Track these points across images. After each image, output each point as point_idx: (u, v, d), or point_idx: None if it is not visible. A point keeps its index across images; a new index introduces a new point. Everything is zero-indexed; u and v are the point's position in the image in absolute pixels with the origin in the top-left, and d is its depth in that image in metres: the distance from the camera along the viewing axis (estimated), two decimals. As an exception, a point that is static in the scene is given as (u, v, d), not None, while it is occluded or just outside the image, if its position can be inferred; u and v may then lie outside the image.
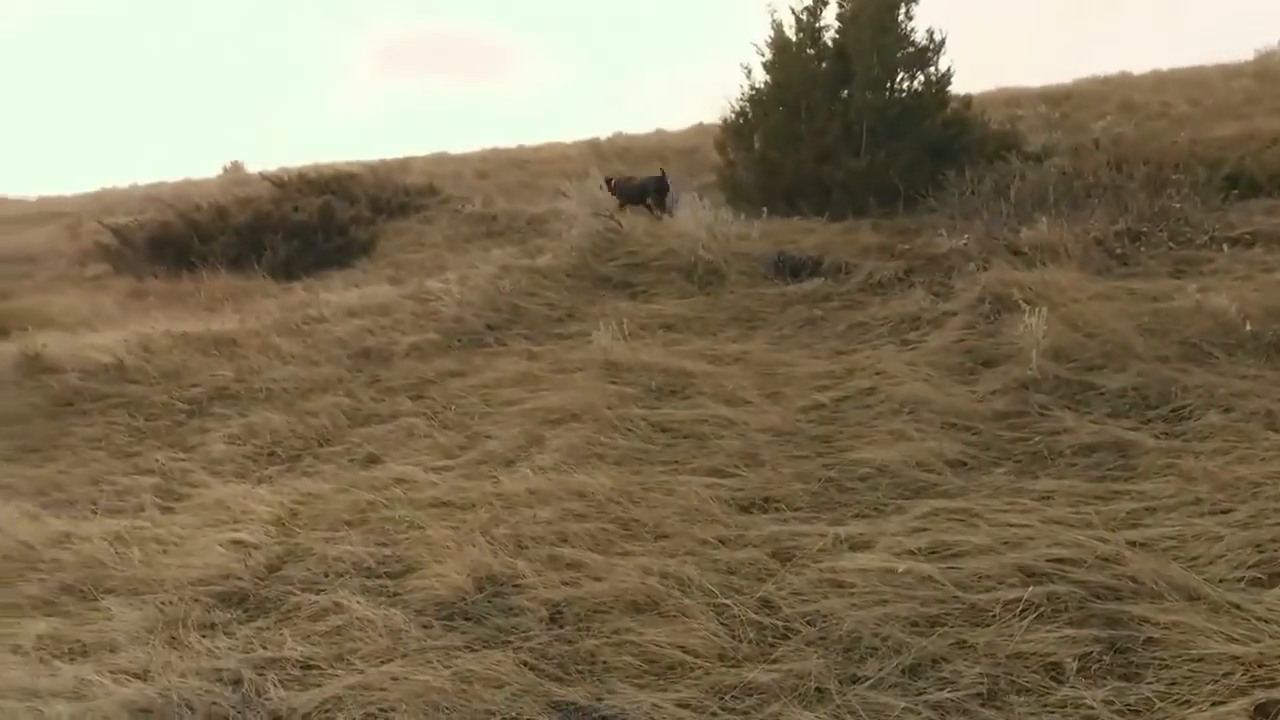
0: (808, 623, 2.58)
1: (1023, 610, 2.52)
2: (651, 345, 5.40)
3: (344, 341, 5.78)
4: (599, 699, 2.30)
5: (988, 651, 2.39)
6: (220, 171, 16.19)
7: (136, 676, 2.50)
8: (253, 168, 15.85)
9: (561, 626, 2.63)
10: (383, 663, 2.46)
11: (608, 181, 9.57)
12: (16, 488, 4.06)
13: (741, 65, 8.67)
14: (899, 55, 8.17)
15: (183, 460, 4.28)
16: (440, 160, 16.40)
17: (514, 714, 2.25)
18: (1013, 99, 14.41)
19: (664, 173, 9.45)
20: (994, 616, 2.52)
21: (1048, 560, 2.77)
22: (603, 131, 17.74)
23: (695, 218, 7.25)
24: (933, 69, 8.37)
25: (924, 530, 3.00)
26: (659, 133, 17.12)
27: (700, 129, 16.75)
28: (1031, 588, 2.59)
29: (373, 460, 4.10)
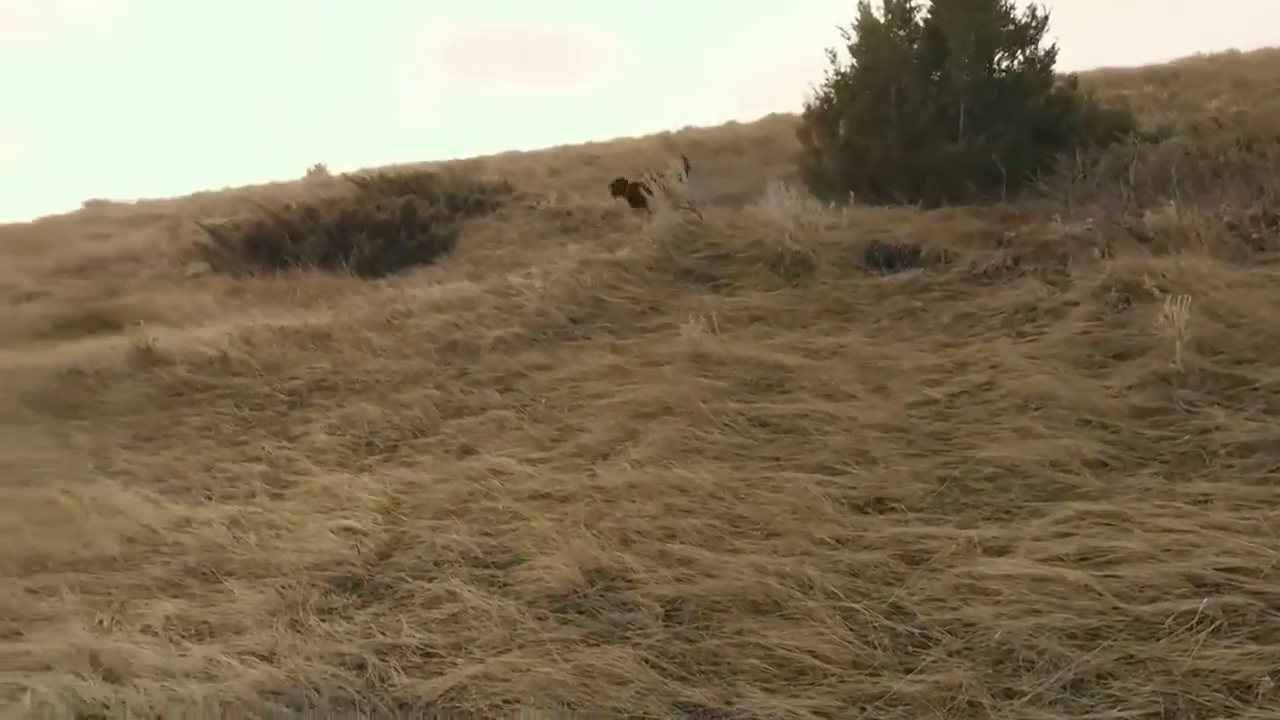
0: (948, 631, 2.42)
1: (1197, 623, 2.31)
2: (742, 338, 5.28)
3: (431, 335, 5.87)
4: (728, 702, 2.19)
5: (1160, 668, 2.20)
6: (304, 174, 16.75)
7: (263, 658, 2.53)
8: (334, 170, 16.35)
9: (679, 624, 2.53)
10: (501, 653, 2.43)
11: (621, 185, 9.51)
12: (136, 474, 4.25)
13: (826, 50, 8.47)
14: (998, 33, 7.85)
15: (287, 449, 4.42)
16: (512, 159, 16.59)
17: (640, 713, 2.17)
18: (1114, 79, 13.80)
19: (687, 164, 9.35)
20: (1163, 629, 2.32)
21: (1217, 569, 2.55)
22: (672, 125, 17.65)
23: (781, 207, 7.08)
24: (1034, 47, 8.03)
25: (1070, 535, 2.80)
26: (731, 125, 16.97)
27: (774, 119, 16.54)
28: (1205, 599, 2.38)
29: (467, 451, 4.12)
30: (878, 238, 6.53)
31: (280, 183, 16.69)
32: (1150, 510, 2.89)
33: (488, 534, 3.21)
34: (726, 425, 4.06)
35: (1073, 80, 8.16)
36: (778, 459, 3.71)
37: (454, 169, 14.18)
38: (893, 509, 3.19)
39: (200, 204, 14.97)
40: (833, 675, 2.29)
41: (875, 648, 2.38)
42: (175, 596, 3.01)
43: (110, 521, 3.62)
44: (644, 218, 8.60)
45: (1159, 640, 2.28)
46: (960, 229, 6.44)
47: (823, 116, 8.58)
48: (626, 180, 9.47)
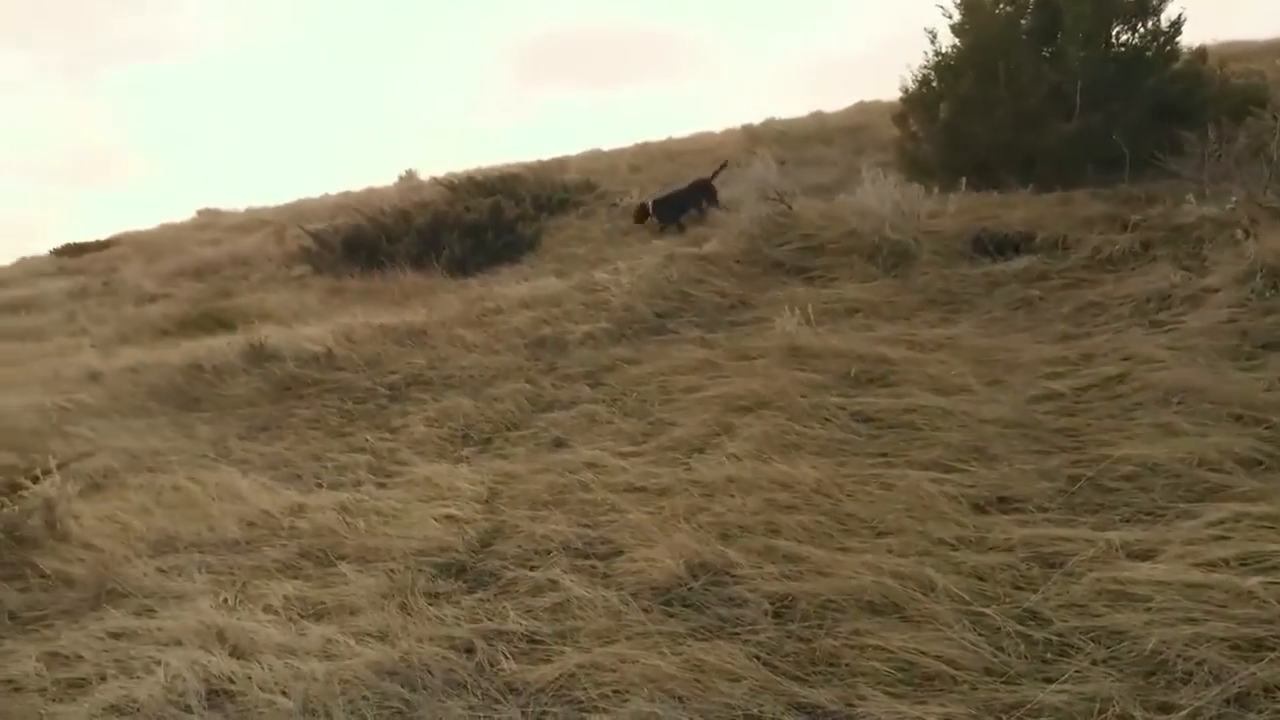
0: (1091, 639, 2.27)
1: (1383, 638, 2.11)
2: (839, 331, 5.14)
3: (520, 331, 6.00)
4: (850, 705, 2.10)
5: (1340, 684, 2.01)
6: (396, 179, 17.42)
7: (377, 639, 2.61)
8: (424, 174, 16.95)
9: (790, 622, 2.46)
10: (608, 643, 2.42)
11: (644, 209, 9.48)
12: (253, 462, 4.51)
13: (926, 30, 8.21)
14: (1117, 5, 7.46)
15: (389, 440, 4.59)
16: (594, 157, 16.76)
17: (755, 711, 2.11)
18: (1238, 52, 12.97)
19: (718, 169, 9.33)
20: (1342, 643, 2.12)
21: (1402, 579, 2.33)
22: (754, 118, 17.45)
23: (878, 195, 6.89)
24: (1156, 20, 7.59)
25: (1225, 538, 2.60)
26: (817, 114, 16.67)
27: (862, 107, 16.18)
28: (1393, 611, 2.17)
29: (559, 444, 4.15)
30: (986, 224, 6.28)
31: (375, 188, 17.39)
32: (1318, 513, 2.66)
33: (586, 525, 3.21)
34: (827, 420, 3.95)
35: (1201, 53, 7.68)
36: (885, 455, 3.59)
37: (537, 169, 14.42)
38: (1018, 509, 3.03)
39: (302, 210, 15.73)
40: (964, 682, 2.17)
41: (1009, 655, 2.25)
42: (293, 578, 3.15)
43: (231, 506, 3.84)
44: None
45: (1340, 654, 2.08)
46: (1079, 213, 6.13)
47: (922, 100, 8.32)
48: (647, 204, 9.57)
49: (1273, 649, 2.14)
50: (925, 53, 8.26)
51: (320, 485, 4.07)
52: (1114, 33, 7.56)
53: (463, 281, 8.64)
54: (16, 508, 3.62)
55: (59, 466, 3.90)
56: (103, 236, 15.97)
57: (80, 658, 2.73)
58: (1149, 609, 2.32)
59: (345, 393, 5.49)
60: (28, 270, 14.60)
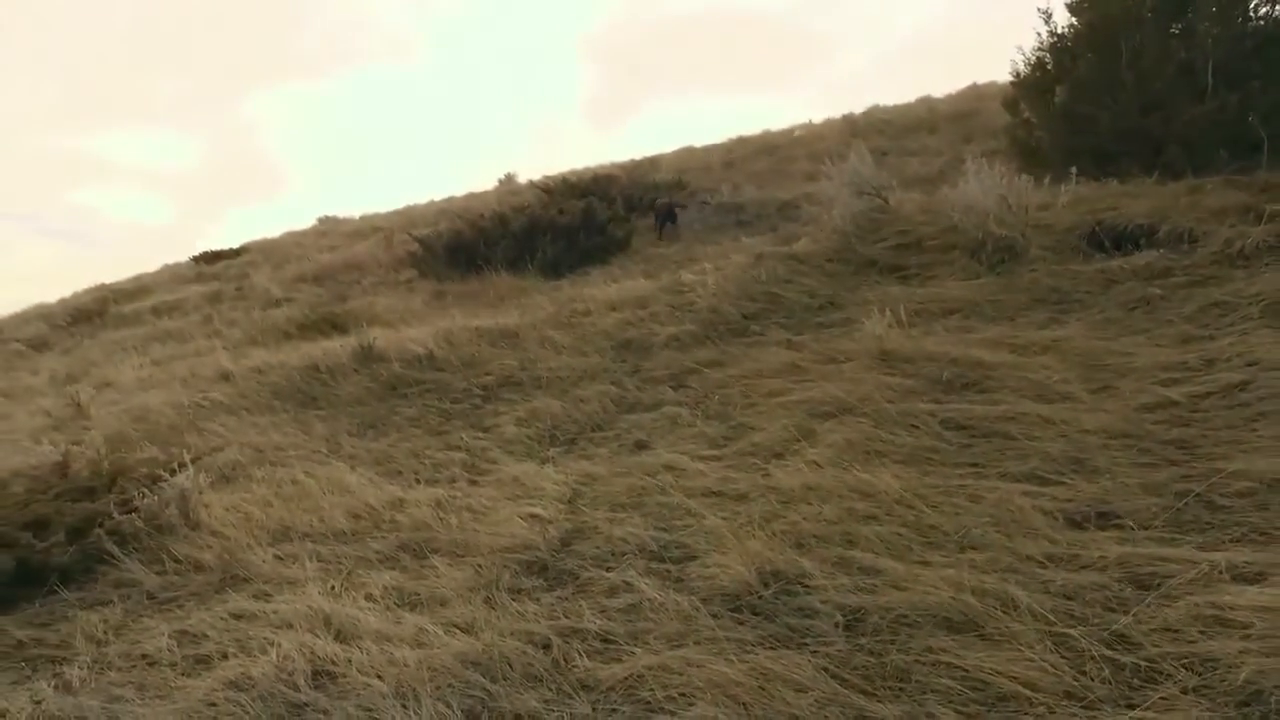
0: (1183, 666, 2.22)
1: None
2: (933, 333, 5.08)
3: (608, 333, 6.22)
4: (917, 723, 2.13)
5: None
6: (496, 184, 18.13)
7: (464, 630, 2.84)
8: (523, 178, 17.58)
9: (861, 635, 2.49)
10: (677, 646, 2.54)
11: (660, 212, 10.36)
12: (360, 458, 4.89)
13: (1039, 11, 7.96)
14: (1259, -29, 7.04)
15: (482, 439, 4.91)
16: (687, 154, 16.91)
17: (819, 724, 2.16)
18: None
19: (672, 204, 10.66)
20: None
21: None
22: (856, 106, 17.15)
23: (982, 187, 6.73)
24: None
25: (1347, 562, 2.48)
26: (924, 100, 16.28)
27: (974, 91, 15.72)
28: None
29: (641, 446, 4.31)
30: (1103, 217, 6.05)
31: (476, 193, 18.15)
32: None
33: (662, 529, 3.34)
34: (915, 427, 3.93)
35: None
36: (977, 465, 3.55)
37: (630, 169, 14.68)
38: (1118, 526, 2.96)
39: (410, 216, 16.64)
40: (1040, 704, 2.17)
41: (1093, 679, 2.23)
42: (391, 568, 3.43)
43: (340, 499, 4.19)
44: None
45: None
46: (1209, 204, 5.84)
47: (1036, 84, 8.06)
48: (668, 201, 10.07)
49: (1389, 685, 2.05)
50: (1039, 33, 8.01)
51: (419, 481, 4.38)
52: (1251, 5, 7.15)
53: (555, 283, 8.97)
54: (156, 498, 4.07)
55: (193, 460, 4.41)
56: (236, 245, 17.32)
57: (206, 636, 3.06)
58: (1248, 636, 2.25)
59: (443, 393, 5.87)
60: (172, 276, 15.97)
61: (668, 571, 3.00)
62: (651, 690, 2.35)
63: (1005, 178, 6.72)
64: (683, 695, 2.30)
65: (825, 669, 2.32)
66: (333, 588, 3.28)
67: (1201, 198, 5.92)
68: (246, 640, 2.97)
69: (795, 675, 2.29)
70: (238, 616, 3.17)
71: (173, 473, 4.28)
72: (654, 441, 4.32)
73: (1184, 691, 2.14)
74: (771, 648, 2.45)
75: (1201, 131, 6.75)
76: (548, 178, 15.12)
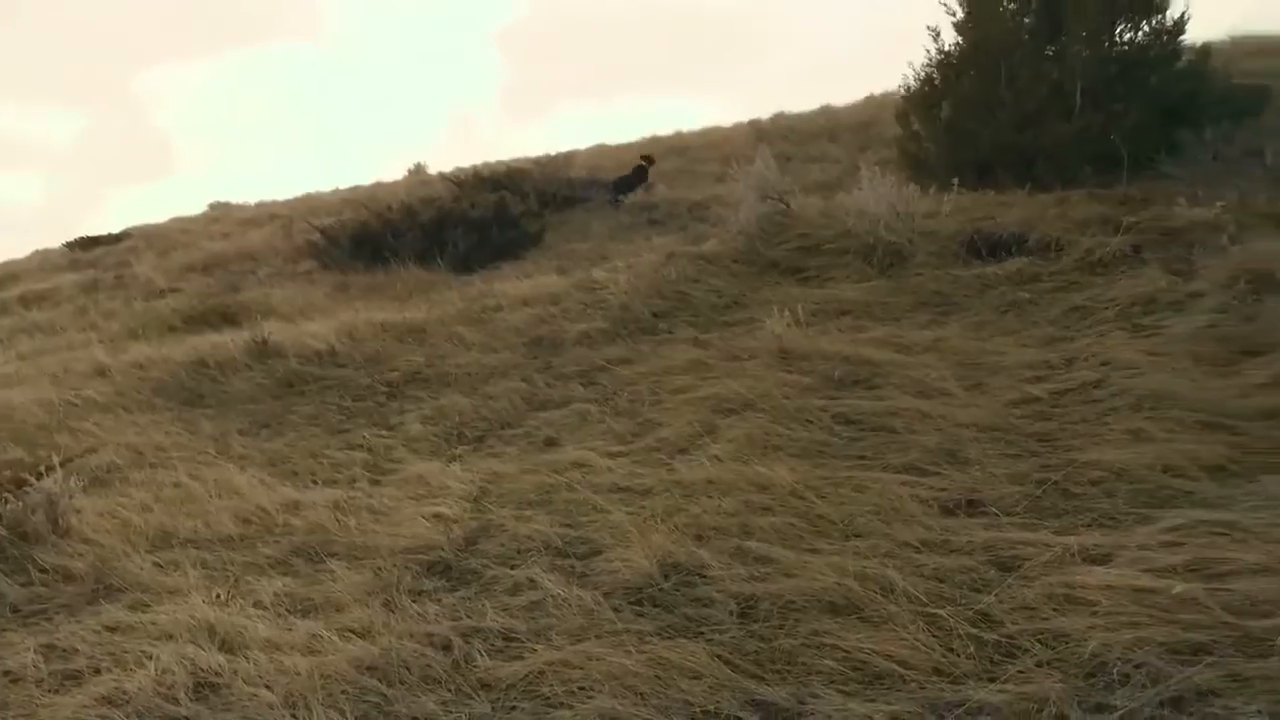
0: (1039, 641, 2.38)
1: (1317, 643, 2.20)
2: (828, 332, 5.25)
3: (519, 329, 6.13)
4: (801, 702, 2.23)
5: (1269, 687, 2.11)
6: (405, 174, 17.54)
7: (360, 635, 2.75)
8: (433, 169, 17.08)
9: (754, 622, 2.58)
10: (578, 641, 2.55)
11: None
12: (252, 459, 4.63)
13: (929, 28, 8.26)
14: (1121, 2, 7.48)
15: (385, 438, 4.73)
16: (601, 153, 16.83)
17: (712, 707, 2.23)
18: (1256, 49, 12.87)
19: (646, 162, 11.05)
20: (1276, 647, 2.22)
21: (1344, 587, 2.42)
22: (767, 111, 17.45)
23: (875, 195, 6.96)
24: (1161, 16, 7.60)
25: (1179, 544, 2.70)
26: (825, 109, 16.67)
27: (872, 101, 16.19)
28: (1328, 617, 2.27)
29: (550, 443, 4.29)
30: (981, 225, 6.35)
31: (383, 182, 17.51)
32: (1270, 520, 2.75)
33: (568, 525, 3.35)
34: (809, 422, 4.06)
35: (1205, 51, 7.69)
36: (863, 458, 3.70)
37: (544, 164, 14.51)
38: (985, 513, 3.14)
39: (311, 204, 15.88)
40: (912, 681, 2.29)
41: (959, 655, 2.36)
42: (284, 574, 3.29)
43: (229, 503, 3.97)
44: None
45: (1269, 659, 2.18)
46: (1075, 215, 6.19)
47: (924, 98, 8.37)
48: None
49: (1211, 654, 2.24)
50: (928, 50, 8.31)
51: (316, 482, 4.21)
52: (1118, 31, 7.59)
53: (465, 278, 8.76)
54: (20, 503, 3.75)
55: (63, 463, 4.02)
56: (116, 230, 16.17)
57: (76, 650, 2.87)
58: (1095, 613, 2.42)
59: (345, 390, 5.64)
60: (42, 263, 14.87)
61: (572, 567, 3.01)
62: (552, 686, 2.36)
63: (896, 186, 6.97)
64: (582, 689, 2.33)
65: (719, 656, 2.40)
66: (218, 596, 3.11)
67: (1068, 209, 6.27)
68: (121, 653, 2.79)
69: (691, 663, 2.35)
70: (112, 629, 2.98)
71: (40, 476, 3.92)
72: (563, 438, 4.30)
73: (1039, 665, 2.29)
74: (669, 638, 2.51)
75: (1069, 148, 7.13)
76: (459, 170, 14.71)
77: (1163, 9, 7.56)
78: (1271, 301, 4.19)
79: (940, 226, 6.54)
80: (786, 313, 5.27)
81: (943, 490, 3.31)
